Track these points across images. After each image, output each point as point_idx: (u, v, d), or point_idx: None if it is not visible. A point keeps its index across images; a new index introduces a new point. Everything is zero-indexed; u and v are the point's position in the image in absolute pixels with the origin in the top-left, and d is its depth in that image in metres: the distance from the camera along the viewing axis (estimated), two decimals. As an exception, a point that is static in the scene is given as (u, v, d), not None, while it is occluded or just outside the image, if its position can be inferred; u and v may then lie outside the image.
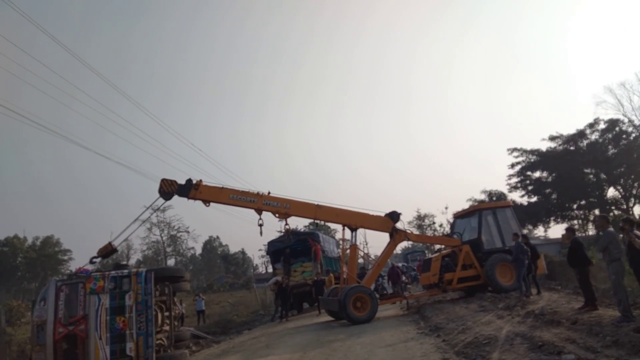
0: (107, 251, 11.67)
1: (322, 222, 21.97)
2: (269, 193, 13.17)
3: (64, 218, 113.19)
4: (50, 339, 9.36)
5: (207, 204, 12.63)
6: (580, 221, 46.68)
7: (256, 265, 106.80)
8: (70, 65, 69.45)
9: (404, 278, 23.75)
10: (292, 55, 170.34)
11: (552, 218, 47.02)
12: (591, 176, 44.16)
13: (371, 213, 14.10)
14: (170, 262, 71.42)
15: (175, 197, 12.53)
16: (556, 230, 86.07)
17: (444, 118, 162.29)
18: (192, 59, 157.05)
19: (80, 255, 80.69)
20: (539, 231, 62.63)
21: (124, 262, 20.70)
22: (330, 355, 8.28)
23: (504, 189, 49.12)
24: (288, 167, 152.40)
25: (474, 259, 14.70)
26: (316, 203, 13.65)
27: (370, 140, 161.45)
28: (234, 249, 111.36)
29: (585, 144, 43.68)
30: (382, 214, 14.17)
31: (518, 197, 47.81)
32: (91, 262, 11.67)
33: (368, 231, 56.35)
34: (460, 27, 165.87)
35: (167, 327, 11.52)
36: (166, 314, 11.52)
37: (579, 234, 35.03)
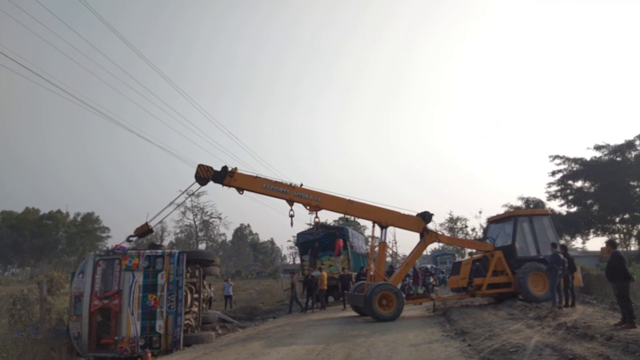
0: (144, 231, 12.10)
1: (352, 218, 21.98)
2: (301, 185, 13.28)
3: (105, 197, 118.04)
4: (87, 310, 9.82)
5: (241, 192, 12.85)
6: (622, 235, 44.62)
7: (284, 255, 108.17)
8: (118, 50, 71.93)
9: (431, 280, 23.49)
10: (334, 48, 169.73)
11: (591, 230, 45.20)
12: (637, 189, 42.10)
13: (403, 212, 14.00)
14: (202, 246, 73.12)
15: (211, 183, 12.82)
16: (595, 243, 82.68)
17: (481, 120, 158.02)
18: (243, 52, 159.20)
19: (118, 234, 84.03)
20: (577, 243, 60.19)
21: (158, 243, 21.40)
22: (352, 350, 8.30)
23: (543, 196, 47.54)
24: (317, 162, 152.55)
25: (505, 265, 14.35)
26: (348, 198, 13.66)
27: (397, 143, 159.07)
28: (263, 238, 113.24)
29: (633, 155, 41.65)
30: (414, 214, 14.03)
31: (557, 206, 46.23)
32: (128, 240, 12.14)
33: (398, 230, 56.06)
34: (504, 23, 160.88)
35: (195, 309, 11.85)
36: (195, 295, 11.86)
37: (620, 249, 33.50)
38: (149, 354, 9.15)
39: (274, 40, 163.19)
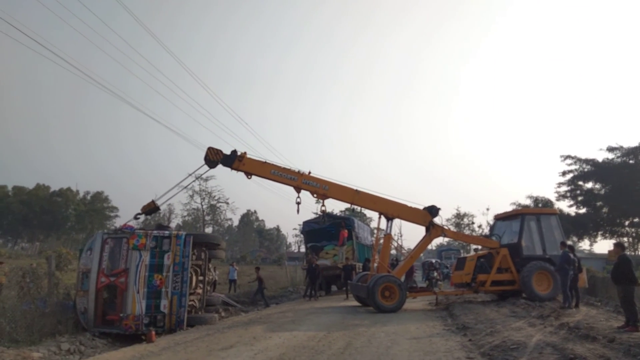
0: (150, 209, 12.25)
1: (359, 209, 22.02)
2: (309, 173, 13.30)
3: (115, 177, 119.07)
4: (93, 287, 9.98)
5: (249, 177, 12.90)
6: (630, 239, 44.17)
7: (289, 243, 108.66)
8: (133, 32, 71.83)
9: (435, 274, 23.51)
10: (344, 42, 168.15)
11: (599, 232, 44.79)
12: (650, 193, 41.51)
13: (410, 205, 13.98)
14: (208, 230, 73.54)
15: (219, 168, 12.88)
16: (602, 246, 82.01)
17: (493, 118, 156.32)
18: (252, 39, 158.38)
19: (126, 214, 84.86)
20: (584, 244, 59.79)
21: (166, 224, 21.69)
22: (353, 339, 8.37)
23: (552, 196, 47.11)
24: (321, 153, 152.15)
25: (510, 263, 14.30)
26: (355, 188, 13.66)
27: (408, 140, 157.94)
28: (269, 224, 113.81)
29: (646, 158, 41.02)
30: (421, 207, 14.01)
31: (566, 206, 45.77)
32: (135, 218, 12.29)
33: (403, 223, 55.91)
34: (519, 21, 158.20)
35: (200, 291, 12.00)
36: (200, 278, 11.99)
37: (628, 252, 33.20)
38: (153, 332, 9.31)
39: (285, 28, 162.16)
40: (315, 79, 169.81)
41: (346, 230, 21.68)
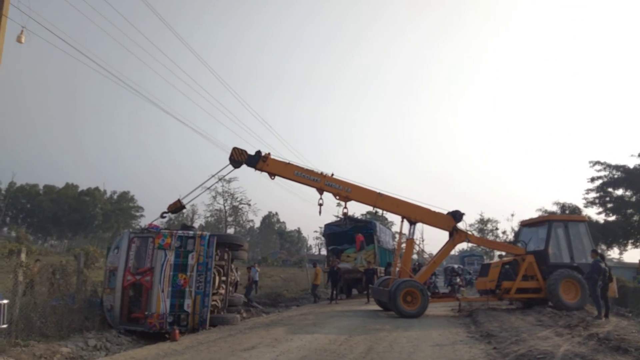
0: (176, 207, 12.49)
1: (381, 213, 21.92)
2: (332, 175, 13.32)
3: (141, 177, 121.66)
4: (120, 284, 10.21)
5: (272, 177, 13.03)
6: (662, 248, 42.58)
7: (310, 245, 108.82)
8: (156, 30, 73.25)
9: (458, 280, 23.18)
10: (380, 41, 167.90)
11: (630, 241, 43.33)
12: (683, 201, 40.02)
13: (433, 209, 13.83)
14: (230, 231, 74.37)
15: (242, 169, 13.04)
16: (633, 255, 79.41)
17: (519, 123, 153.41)
18: (283, 39, 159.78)
19: (150, 214, 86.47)
20: (613, 253, 57.96)
21: (189, 225, 22.03)
22: (375, 343, 8.32)
23: (580, 203, 45.85)
24: (348, 155, 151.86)
25: (537, 270, 13.98)
26: (378, 191, 13.59)
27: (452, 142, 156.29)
28: (290, 227, 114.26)
29: (682, 165, 39.56)
30: (445, 212, 13.84)
31: (594, 213, 44.42)
32: (162, 216, 12.54)
33: (426, 228, 55.32)
34: (543, 21, 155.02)
35: (222, 291, 12.14)
36: (223, 278, 12.13)
37: (661, 262, 32.06)
38: (177, 331, 9.45)
39: (316, 28, 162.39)
40: (347, 81, 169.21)
41: (362, 235, 21.61)
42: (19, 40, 9.28)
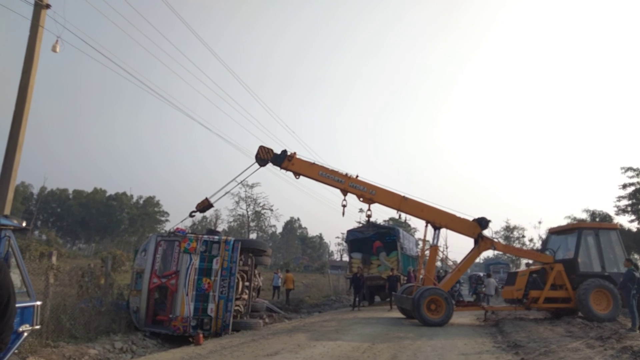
0: (204, 206, 12.64)
1: (404, 218, 21.69)
2: (357, 176, 13.29)
3: (167, 183, 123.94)
4: (146, 287, 10.39)
5: (297, 177, 13.12)
6: (698, 258, 40.80)
7: (332, 251, 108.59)
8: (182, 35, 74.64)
9: (483, 288, 22.70)
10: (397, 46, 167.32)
11: (664, 250, 41.74)
12: None
13: (458, 215, 13.62)
14: (252, 236, 74.92)
15: (267, 173, 13.16)
16: (667, 265, 76.19)
17: (549, 128, 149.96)
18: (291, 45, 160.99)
19: (175, 218, 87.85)
20: (647, 262, 56.00)
21: (213, 229, 22.34)
22: (398, 352, 8.21)
23: (611, 210, 44.47)
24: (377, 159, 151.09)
25: (566, 279, 13.57)
26: (403, 194, 13.48)
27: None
28: (312, 232, 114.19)
29: None
30: (470, 218, 13.61)
31: (626, 221, 43.03)
32: (191, 215, 12.74)
33: (449, 234, 54.49)
34: (577, 24, 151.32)
35: (245, 296, 12.20)
36: (246, 283, 12.20)
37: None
38: (201, 335, 9.54)
39: (333, 30, 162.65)
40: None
41: (379, 241, 21.41)
42: (53, 49, 9.63)
